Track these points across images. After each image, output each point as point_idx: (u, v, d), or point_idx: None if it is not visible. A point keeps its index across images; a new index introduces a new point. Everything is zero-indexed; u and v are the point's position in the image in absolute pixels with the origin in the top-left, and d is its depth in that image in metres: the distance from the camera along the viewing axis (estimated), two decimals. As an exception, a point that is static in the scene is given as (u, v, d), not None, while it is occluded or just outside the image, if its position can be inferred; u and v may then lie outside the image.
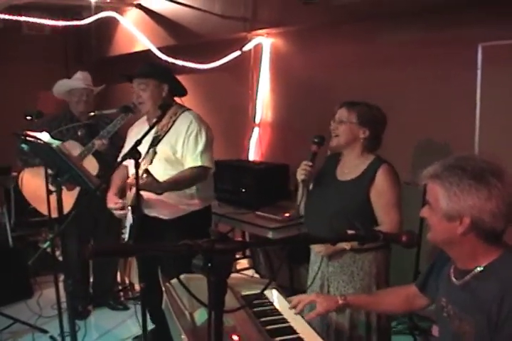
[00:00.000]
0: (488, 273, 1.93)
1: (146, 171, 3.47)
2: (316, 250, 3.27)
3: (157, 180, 3.54)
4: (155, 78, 3.93)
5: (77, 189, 4.67)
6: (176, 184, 3.78)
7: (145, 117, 4.13)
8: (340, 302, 2.50)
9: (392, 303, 2.57)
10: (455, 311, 2.03)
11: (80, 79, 5.04)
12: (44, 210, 4.86)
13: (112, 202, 3.93)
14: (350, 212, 3.07)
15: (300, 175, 3.27)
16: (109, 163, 4.60)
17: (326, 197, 3.28)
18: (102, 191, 3.89)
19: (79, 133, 4.85)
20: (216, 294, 1.51)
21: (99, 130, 4.78)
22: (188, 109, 4.07)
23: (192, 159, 3.86)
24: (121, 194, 4.06)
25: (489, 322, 1.86)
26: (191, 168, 3.86)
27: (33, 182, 4.78)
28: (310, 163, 3.25)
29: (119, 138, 4.47)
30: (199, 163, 3.86)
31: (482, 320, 1.88)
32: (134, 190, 3.61)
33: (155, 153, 3.61)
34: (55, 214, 4.59)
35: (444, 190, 1.91)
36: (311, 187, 3.40)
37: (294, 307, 2.55)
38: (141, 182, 3.40)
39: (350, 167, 3.23)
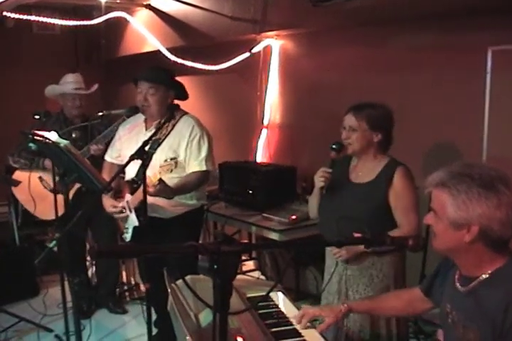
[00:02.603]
0: (493, 281, 1.91)
1: (160, 180, 3.56)
2: (336, 255, 3.20)
3: (169, 187, 3.63)
4: (165, 84, 3.98)
5: (72, 190, 4.67)
6: (184, 188, 3.88)
7: (141, 118, 4.13)
8: (343, 309, 2.50)
9: (394, 307, 2.56)
10: (459, 318, 2.02)
11: (70, 83, 4.96)
12: (38, 213, 4.87)
13: (110, 205, 3.97)
14: (366, 215, 3.05)
15: (319, 182, 3.26)
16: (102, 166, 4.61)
17: (339, 200, 3.24)
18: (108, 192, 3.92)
19: (73, 136, 4.80)
20: (221, 296, 1.51)
21: (94, 132, 4.77)
22: (186, 113, 4.11)
23: (197, 164, 3.93)
24: (114, 194, 4.10)
25: (494, 330, 1.84)
26: (196, 172, 3.93)
27: (28, 184, 4.77)
28: (329, 170, 3.23)
29: None
30: (204, 168, 3.95)
31: (486, 328, 1.86)
32: (139, 193, 3.64)
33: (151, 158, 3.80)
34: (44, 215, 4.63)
35: (452, 198, 1.89)
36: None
37: (299, 321, 2.52)
38: (152, 190, 3.52)
39: (365, 169, 3.22)
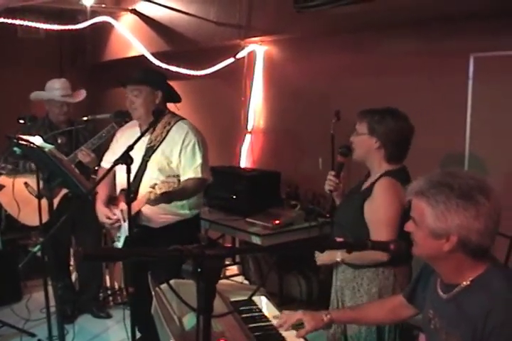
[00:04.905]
0: (474, 288, 1.92)
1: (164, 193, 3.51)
2: (316, 259, 3.17)
3: (168, 194, 3.54)
4: (149, 85, 3.89)
5: (59, 196, 4.66)
6: (183, 194, 3.76)
7: (136, 121, 4.07)
8: (325, 319, 2.48)
9: (377, 316, 2.55)
10: (442, 325, 2.03)
11: (57, 90, 4.88)
12: (21, 218, 4.84)
13: (105, 216, 3.94)
14: (349, 223, 3.01)
15: (326, 186, 3.22)
16: (89, 174, 4.62)
17: (341, 208, 3.24)
18: (94, 196, 3.90)
19: (59, 141, 4.78)
20: (205, 299, 1.52)
21: (79, 137, 4.76)
22: (182, 119, 4.02)
23: (192, 171, 3.83)
24: (109, 202, 4.07)
25: (474, 338, 1.85)
26: (192, 179, 3.83)
27: (12, 190, 4.74)
28: (333, 173, 3.20)
29: (104, 151, 4.45)
30: (199, 175, 3.84)
31: (467, 335, 1.87)
32: (136, 202, 3.64)
33: (146, 165, 3.79)
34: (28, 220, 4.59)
35: (430, 208, 1.89)
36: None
37: (281, 325, 2.51)
38: (153, 197, 3.51)
39: (370, 179, 3.07)
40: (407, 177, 2.96)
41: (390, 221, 2.84)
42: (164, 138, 3.89)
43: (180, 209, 3.97)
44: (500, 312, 1.82)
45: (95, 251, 1.44)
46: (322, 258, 3.14)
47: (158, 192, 3.50)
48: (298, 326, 2.50)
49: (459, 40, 4.18)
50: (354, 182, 3.25)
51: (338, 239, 2.14)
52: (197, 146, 3.88)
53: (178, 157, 3.85)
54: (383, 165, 3.00)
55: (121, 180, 3.92)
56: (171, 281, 2.55)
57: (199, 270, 1.49)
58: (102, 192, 4.06)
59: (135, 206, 3.62)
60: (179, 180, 3.57)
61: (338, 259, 3.01)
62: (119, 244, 3.93)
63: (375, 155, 3.00)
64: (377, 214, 2.88)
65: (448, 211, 1.85)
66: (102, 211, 3.99)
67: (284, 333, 2.49)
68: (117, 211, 3.93)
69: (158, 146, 3.88)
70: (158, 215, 3.90)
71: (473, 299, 1.91)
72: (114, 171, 3.95)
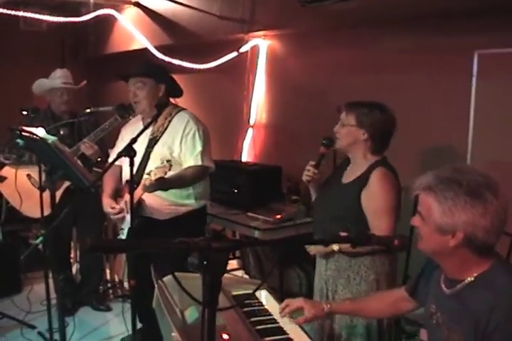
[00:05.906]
0: (478, 284, 1.93)
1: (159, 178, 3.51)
2: (307, 249, 3.20)
3: (163, 178, 3.53)
4: (153, 77, 3.90)
5: (61, 189, 4.66)
6: (180, 181, 3.77)
7: (140, 116, 4.09)
8: (326, 310, 2.50)
9: (377, 308, 2.56)
10: (444, 320, 2.03)
11: (59, 78, 4.94)
12: (23, 209, 4.84)
13: (109, 206, 3.94)
14: (342, 215, 3.02)
15: (304, 176, 3.23)
16: (91, 167, 4.63)
17: (325, 199, 3.25)
18: (96, 189, 3.90)
19: (61, 133, 4.76)
20: (210, 292, 1.52)
21: (81, 129, 4.76)
22: (183, 109, 4.05)
23: (192, 159, 3.84)
24: (116, 194, 4.06)
25: (477, 333, 1.86)
26: (192, 167, 3.84)
27: (14, 181, 4.73)
28: (313, 163, 3.21)
29: (107, 144, 4.42)
30: (200, 163, 3.85)
31: (470, 331, 1.88)
32: (137, 191, 3.63)
33: (149, 156, 3.79)
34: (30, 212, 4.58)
35: (438, 203, 1.90)
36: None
37: (281, 311, 2.53)
38: (148, 183, 3.51)
39: (354, 169, 3.14)
40: (393, 168, 3.09)
41: (389, 209, 2.95)
42: (166, 128, 3.91)
43: (185, 200, 3.98)
44: (505, 308, 1.83)
45: (102, 242, 1.44)
46: (311, 250, 3.18)
47: (153, 178, 3.51)
48: (297, 315, 2.52)
49: (462, 37, 4.16)
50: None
51: (342, 233, 2.14)
52: (197, 134, 3.88)
53: (179, 146, 3.86)
54: (368, 156, 3.10)
55: (126, 174, 3.92)
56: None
57: (205, 263, 1.49)
58: (108, 186, 4.08)
59: (135, 195, 3.63)
60: (171, 165, 3.56)
61: (336, 248, 3.03)
62: (123, 237, 3.93)
63: (360, 146, 3.10)
64: (378, 203, 2.96)
65: (455, 207, 1.86)
66: (106, 202, 3.99)
67: (286, 327, 2.50)
68: (122, 203, 3.94)
69: (160, 137, 3.89)
70: (164, 206, 3.91)
71: (477, 295, 1.91)
72: (121, 166, 3.99)
